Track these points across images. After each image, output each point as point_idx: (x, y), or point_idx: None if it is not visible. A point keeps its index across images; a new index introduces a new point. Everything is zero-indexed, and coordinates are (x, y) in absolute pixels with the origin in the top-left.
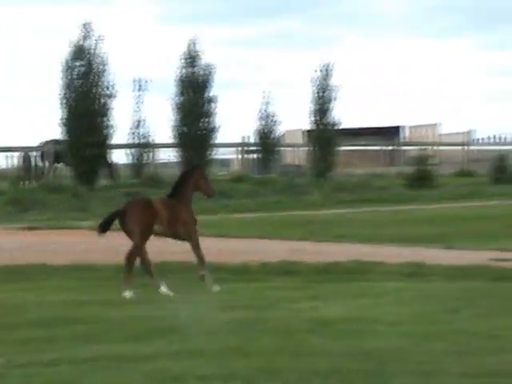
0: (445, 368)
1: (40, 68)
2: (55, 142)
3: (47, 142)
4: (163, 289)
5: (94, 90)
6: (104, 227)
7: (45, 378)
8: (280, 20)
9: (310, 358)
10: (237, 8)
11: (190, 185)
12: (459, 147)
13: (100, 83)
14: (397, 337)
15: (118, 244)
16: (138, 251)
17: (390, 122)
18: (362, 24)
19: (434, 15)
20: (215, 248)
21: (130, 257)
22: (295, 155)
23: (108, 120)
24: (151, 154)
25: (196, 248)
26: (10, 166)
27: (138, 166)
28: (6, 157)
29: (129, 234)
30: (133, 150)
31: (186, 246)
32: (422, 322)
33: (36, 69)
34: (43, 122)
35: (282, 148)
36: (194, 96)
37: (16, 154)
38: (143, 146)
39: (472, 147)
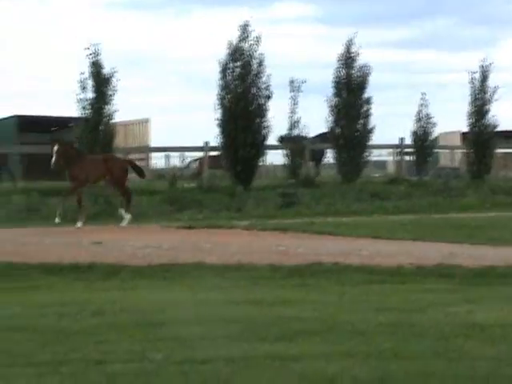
0: None
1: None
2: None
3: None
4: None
5: (250, 91)
6: None
7: (200, 376)
8: (435, 20)
9: (466, 363)
10: (391, 9)
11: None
12: None
13: (257, 84)
14: None
15: (272, 244)
16: None
17: None
18: None
19: None
20: (369, 249)
21: None
22: (451, 157)
23: (264, 121)
24: (306, 156)
25: None
26: (167, 166)
27: (293, 167)
28: (165, 156)
29: None
30: (288, 151)
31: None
32: None
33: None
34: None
35: (437, 150)
36: (350, 97)
37: (174, 154)
38: (298, 148)
39: None
